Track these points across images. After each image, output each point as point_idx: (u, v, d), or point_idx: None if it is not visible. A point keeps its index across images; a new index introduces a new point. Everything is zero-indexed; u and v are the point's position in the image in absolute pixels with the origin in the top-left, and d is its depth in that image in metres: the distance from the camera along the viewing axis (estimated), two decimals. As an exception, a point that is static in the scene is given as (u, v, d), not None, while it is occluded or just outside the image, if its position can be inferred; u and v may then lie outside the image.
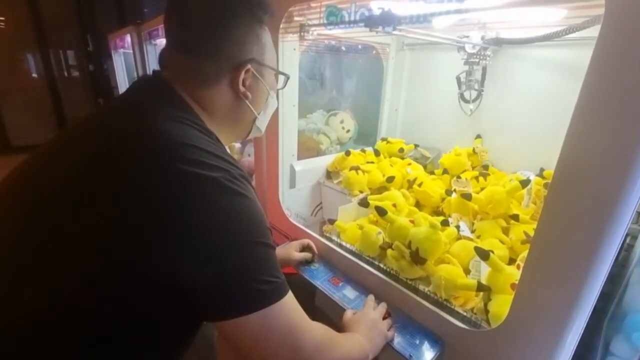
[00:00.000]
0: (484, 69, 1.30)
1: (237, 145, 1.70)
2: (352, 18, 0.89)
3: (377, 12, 0.87)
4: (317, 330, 0.56)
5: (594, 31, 0.47)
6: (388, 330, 0.78)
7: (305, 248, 1.07)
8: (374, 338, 0.73)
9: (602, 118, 0.47)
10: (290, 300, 0.51)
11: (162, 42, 2.55)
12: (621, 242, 0.52)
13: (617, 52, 0.45)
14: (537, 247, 0.58)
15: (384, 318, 0.81)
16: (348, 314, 0.82)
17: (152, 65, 2.57)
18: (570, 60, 1.15)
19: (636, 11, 0.42)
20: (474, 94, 1.35)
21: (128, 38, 3.01)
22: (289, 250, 1.03)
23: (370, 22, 0.89)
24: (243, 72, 0.60)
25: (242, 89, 0.61)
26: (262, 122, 0.71)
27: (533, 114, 1.25)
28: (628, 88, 0.44)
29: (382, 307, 0.84)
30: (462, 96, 1.39)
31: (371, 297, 0.88)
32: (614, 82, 0.46)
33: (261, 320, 0.46)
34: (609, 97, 0.46)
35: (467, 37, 1.21)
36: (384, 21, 0.89)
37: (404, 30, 1.04)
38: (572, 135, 0.51)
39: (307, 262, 1.05)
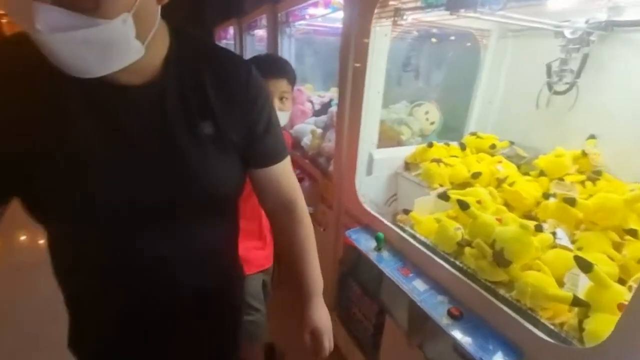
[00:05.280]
0: (585, 57, 1.15)
1: (319, 130, 1.76)
2: (453, -2, 0.84)
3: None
4: None
5: None
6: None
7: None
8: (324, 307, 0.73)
9: None
10: None
11: (258, 32, 2.76)
12: None
13: None
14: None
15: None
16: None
17: (250, 53, 2.82)
18: None
19: None
20: (565, 86, 1.21)
21: (231, 30, 3.34)
22: None
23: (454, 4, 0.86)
24: None
25: None
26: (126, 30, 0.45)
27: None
28: None
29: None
30: (550, 86, 1.26)
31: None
32: None
33: (287, 162, 0.72)
34: None
35: (569, 21, 1.10)
36: (466, 3, 0.85)
37: (498, 14, 0.96)
38: None
39: (379, 248, 1.06)
